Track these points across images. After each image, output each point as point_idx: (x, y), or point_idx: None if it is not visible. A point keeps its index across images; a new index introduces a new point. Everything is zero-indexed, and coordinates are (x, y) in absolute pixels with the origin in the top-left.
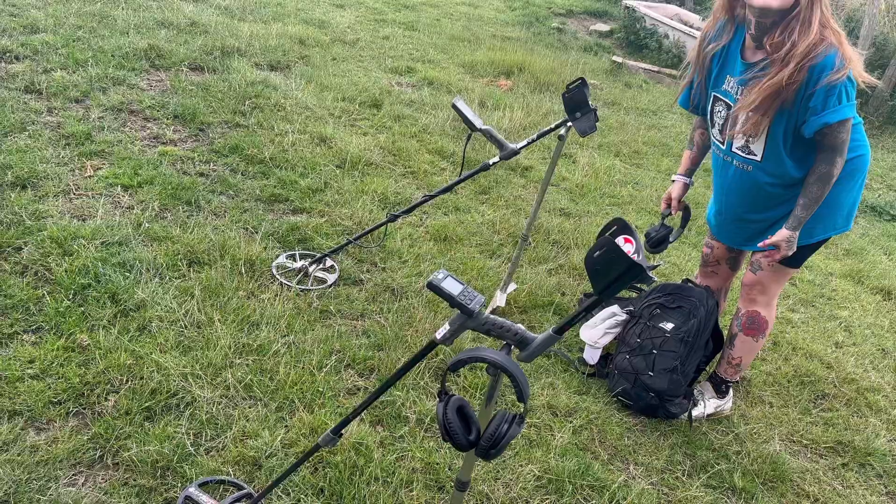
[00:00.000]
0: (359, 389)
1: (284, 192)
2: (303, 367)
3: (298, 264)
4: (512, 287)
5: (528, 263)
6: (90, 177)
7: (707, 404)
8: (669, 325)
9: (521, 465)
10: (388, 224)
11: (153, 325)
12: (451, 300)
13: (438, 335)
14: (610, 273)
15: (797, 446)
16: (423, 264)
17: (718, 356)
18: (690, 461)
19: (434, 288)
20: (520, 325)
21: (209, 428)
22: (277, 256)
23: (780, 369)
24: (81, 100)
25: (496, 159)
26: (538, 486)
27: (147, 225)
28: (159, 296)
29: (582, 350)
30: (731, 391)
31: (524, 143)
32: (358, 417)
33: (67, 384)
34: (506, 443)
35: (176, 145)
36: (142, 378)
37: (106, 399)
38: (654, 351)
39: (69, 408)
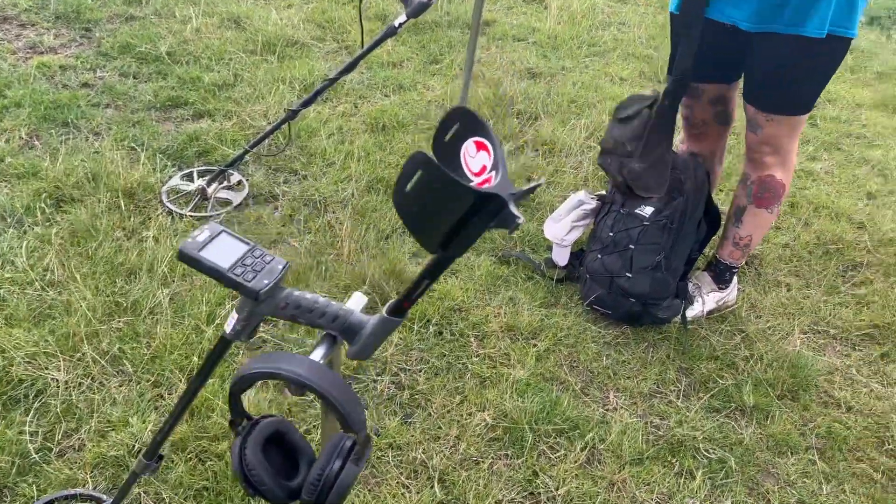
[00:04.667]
0: (264, 342)
1: (184, 93)
2: (187, 325)
3: (195, 185)
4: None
5: None
6: None
7: (706, 300)
8: (648, 210)
9: (469, 415)
10: (290, 121)
11: (1, 291)
12: (221, 277)
13: (228, 327)
14: (440, 216)
15: (823, 338)
16: (354, 164)
17: (719, 236)
18: (687, 378)
19: (188, 259)
20: (340, 304)
21: (66, 421)
22: (169, 178)
23: (800, 238)
24: None
25: (402, 19)
26: (492, 440)
27: (10, 160)
28: (14, 251)
29: (550, 250)
30: (735, 278)
31: None
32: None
33: None
34: (340, 491)
35: (56, 53)
36: None
37: None
38: (632, 246)
39: None
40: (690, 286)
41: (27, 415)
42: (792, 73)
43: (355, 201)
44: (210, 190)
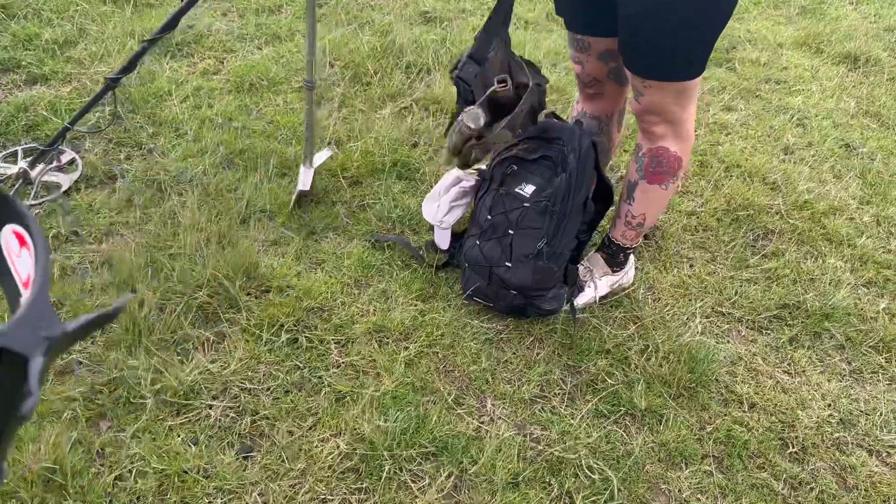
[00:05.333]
0: (72, 370)
1: (17, 54)
2: None
3: (17, 167)
4: (324, 155)
5: (365, 107)
6: None
7: (598, 285)
8: (529, 189)
9: (322, 441)
10: (111, 91)
11: None
12: None
13: None
14: None
15: (727, 322)
16: (211, 134)
17: (612, 214)
18: (573, 378)
19: None
20: None
21: None
22: None
23: (708, 204)
24: None
25: None
26: (345, 472)
27: None
28: None
29: (433, 231)
30: (632, 257)
31: None
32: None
33: None
34: None
35: None
36: None
37: None
38: (511, 231)
39: None
40: (581, 269)
41: None
42: (662, 27)
43: (208, 180)
44: (34, 173)
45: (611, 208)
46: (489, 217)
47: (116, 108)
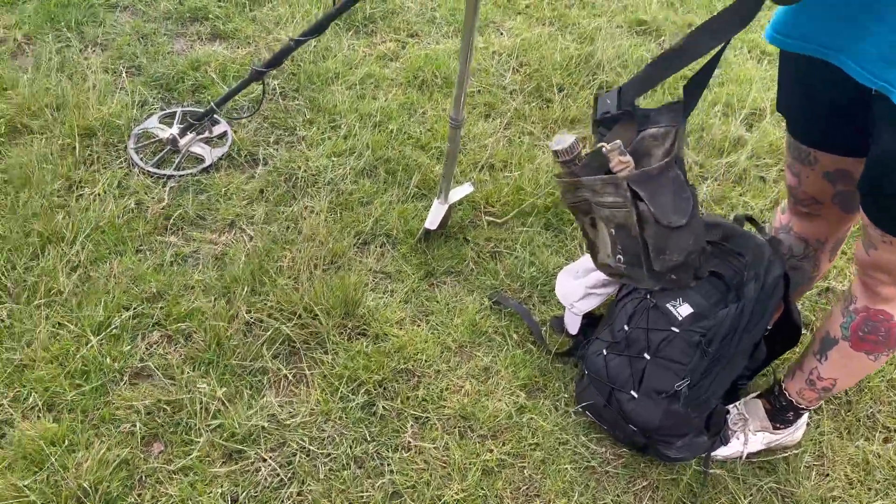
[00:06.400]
0: (148, 375)
1: (209, 4)
2: (72, 329)
3: (169, 131)
4: (463, 191)
5: (536, 129)
6: None
7: (750, 439)
8: (685, 310)
9: None
10: (256, 82)
11: None
12: None
13: None
14: None
15: None
16: (364, 133)
17: (791, 356)
18: None
19: None
20: None
21: None
22: (147, 117)
23: None
24: None
25: None
26: None
27: None
28: None
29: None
30: (805, 415)
31: None
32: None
33: None
34: None
35: None
36: None
37: None
38: (647, 356)
39: None
40: (733, 415)
41: None
42: None
43: (344, 186)
44: (183, 141)
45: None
46: (626, 328)
47: (263, 98)
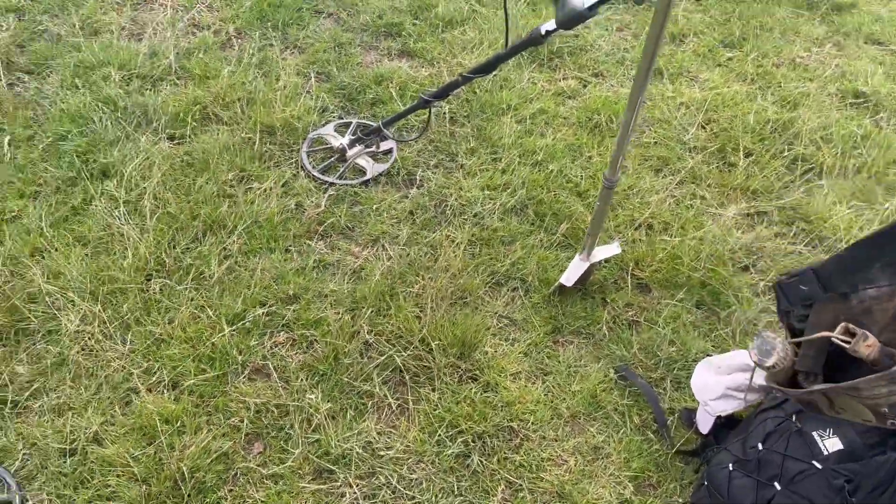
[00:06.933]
0: (266, 374)
1: (405, 21)
2: (210, 315)
3: (340, 141)
4: (609, 250)
5: (709, 193)
6: None
7: None
8: (832, 444)
9: None
10: (423, 109)
11: (93, 205)
12: None
13: None
14: None
15: None
16: (522, 169)
17: None
18: None
19: None
20: None
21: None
22: (325, 124)
23: None
24: None
25: (550, 26)
26: None
27: (201, 56)
28: (129, 159)
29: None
30: None
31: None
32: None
33: None
34: None
35: None
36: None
37: None
38: (777, 485)
39: None
40: None
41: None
42: None
43: (490, 222)
44: (351, 152)
45: None
46: (760, 446)
47: (428, 127)
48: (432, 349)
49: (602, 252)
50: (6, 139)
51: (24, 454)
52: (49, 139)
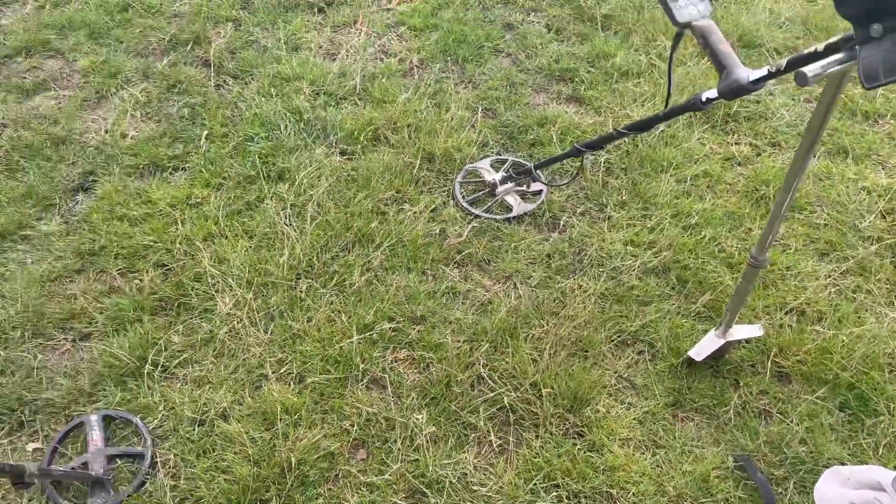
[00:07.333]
0: (382, 386)
1: (580, 66)
2: (345, 322)
3: (493, 176)
4: (748, 331)
5: (876, 287)
6: (387, 9)
7: None
8: None
9: None
10: (574, 157)
11: (264, 203)
12: None
13: None
14: None
15: None
16: (667, 231)
17: None
18: None
19: None
20: None
21: None
22: (482, 158)
23: None
24: None
25: (712, 94)
26: None
27: (384, 80)
28: (303, 167)
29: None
30: None
31: (764, 72)
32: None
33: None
34: None
35: None
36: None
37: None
38: None
39: None
40: None
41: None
42: None
43: (627, 278)
44: (501, 188)
45: None
46: None
47: (580, 175)
48: (542, 395)
49: (741, 331)
50: (204, 133)
51: (162, 415)
52: (239, 138)
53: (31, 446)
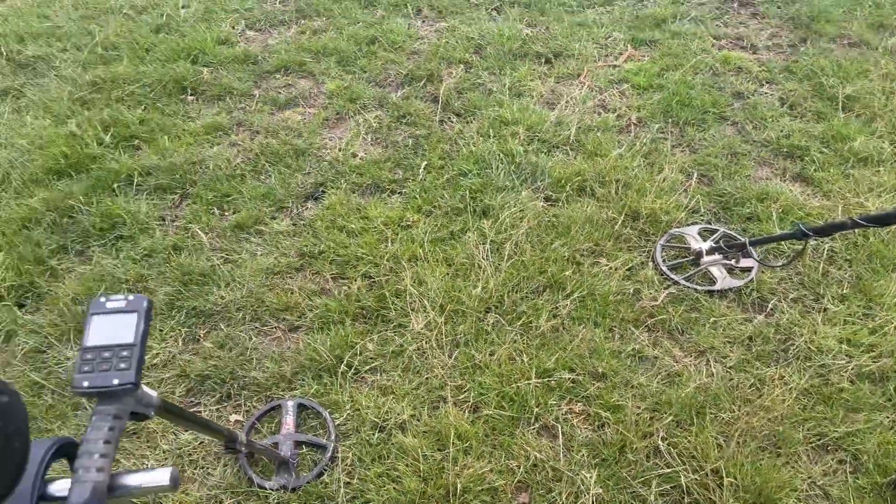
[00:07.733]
0: (553, 435)
1: (812, 146)
2: (525, 363)
3: (700, 244)
4: None
5: None
6: (613, 65)
7: None
8: None
9: None
10: (798, 239)
11: (466, 236)
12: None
13: None
14: None
15: None
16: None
17: None
18: None
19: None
20: None
21: None
22: (691, 224)
23: None
24: None
25: None
26: None
27: (596, 134)
28: (507, 207)
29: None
30: None
31: None
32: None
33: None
34: None
35: (749, 51)
36: None
37: None
38: None
39: None
40: None
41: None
42: None
43: (836, 377)
44: (706, 259)
45: None
46: None
47: (799, 259)
48: (723, 485)
49: None
50: (424, 163)
51: (347, 414)
52: (454, 172)
53: (233, 417)
